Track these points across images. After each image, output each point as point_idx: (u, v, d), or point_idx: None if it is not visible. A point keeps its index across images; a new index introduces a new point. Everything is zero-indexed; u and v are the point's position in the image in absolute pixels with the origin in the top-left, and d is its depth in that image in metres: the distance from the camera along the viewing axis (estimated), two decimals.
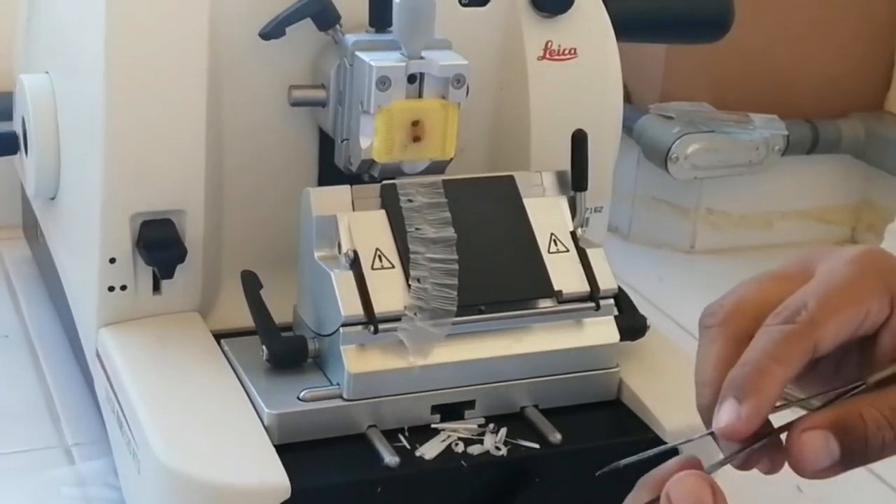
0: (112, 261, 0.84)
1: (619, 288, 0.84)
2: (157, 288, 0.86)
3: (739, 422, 0.48)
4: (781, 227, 1.38)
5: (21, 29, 1.08)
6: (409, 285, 0.78)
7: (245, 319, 0.82)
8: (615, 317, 0.84)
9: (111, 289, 0.85)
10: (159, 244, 0.84)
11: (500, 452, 0.77)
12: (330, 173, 0.87)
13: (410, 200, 0.81)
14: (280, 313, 0.82)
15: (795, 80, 1.35)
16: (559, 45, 0.92)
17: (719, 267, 1.32)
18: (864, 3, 1.36)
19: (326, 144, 0.88)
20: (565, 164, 0.86)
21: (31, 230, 1.14)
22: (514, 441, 0.78)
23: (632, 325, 0.86)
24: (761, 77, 1.34)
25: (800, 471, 0.49)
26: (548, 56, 0.92)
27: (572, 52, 0.92)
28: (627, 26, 0.98)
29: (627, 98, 1.35)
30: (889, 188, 1.38)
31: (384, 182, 0.81)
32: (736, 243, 1.35)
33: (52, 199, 0.98)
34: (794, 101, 1.35)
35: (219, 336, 0.85)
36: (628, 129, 1.28)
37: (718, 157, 1.25)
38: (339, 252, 0.79)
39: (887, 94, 1.40)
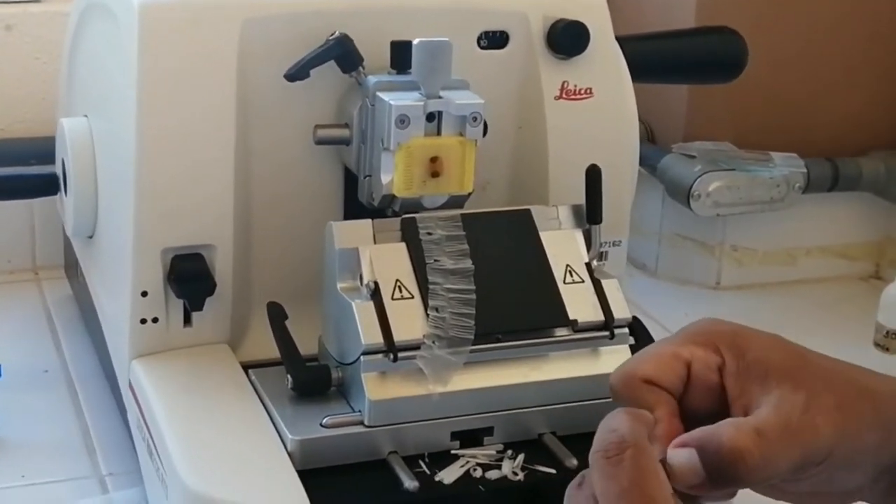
0: (144, 294, 0.87)
1: (635, 317, 0.86)
2: (188, 320, 0.89)
3: None
4: (805, 264, 1.39)
5: (63, 74, 1.11)
6: (427, 315, 0.80)
7: (275, 351, 0.84)
8: (631, 345, 0.86)
9: (143, 321, 0.88)
10: (190, 278, 0.87)
11: (518, 477, 0.79)
12: (354, 209, 0.90)
13: (430, 233, 0.83)
14: (308, 344, 0.84)
15: (816, 120, 1.37)
16: (575, 85, 0.95)
17: (744, 303, 1.33)
18: (883, 43, 1.38)
19: (350, 181, 0.91)
20: (583, 199, 0.89)
21: (72, 269, 1.17)
22: (531, 466, 0.80)
23: None
24: (783, 117, 1.36)
25: (675, 485, 0.51)
26: (564, 96, 0.95)
27: (588, 91, 0.95)
28: (643, 68, 1.01)
29: (651, 138, 1.37)
30: None
31: (404, 216, 0.84)
32: (761, 279, 1.36)
33: (90, 237, 1.02)
34: (816, 140, 1.36)
35: (248, 367, 0.88)
36: (652, 167, 1.30)
37: (740, 195, 1.27)
38: (361, 283, 0.81)
39: None
